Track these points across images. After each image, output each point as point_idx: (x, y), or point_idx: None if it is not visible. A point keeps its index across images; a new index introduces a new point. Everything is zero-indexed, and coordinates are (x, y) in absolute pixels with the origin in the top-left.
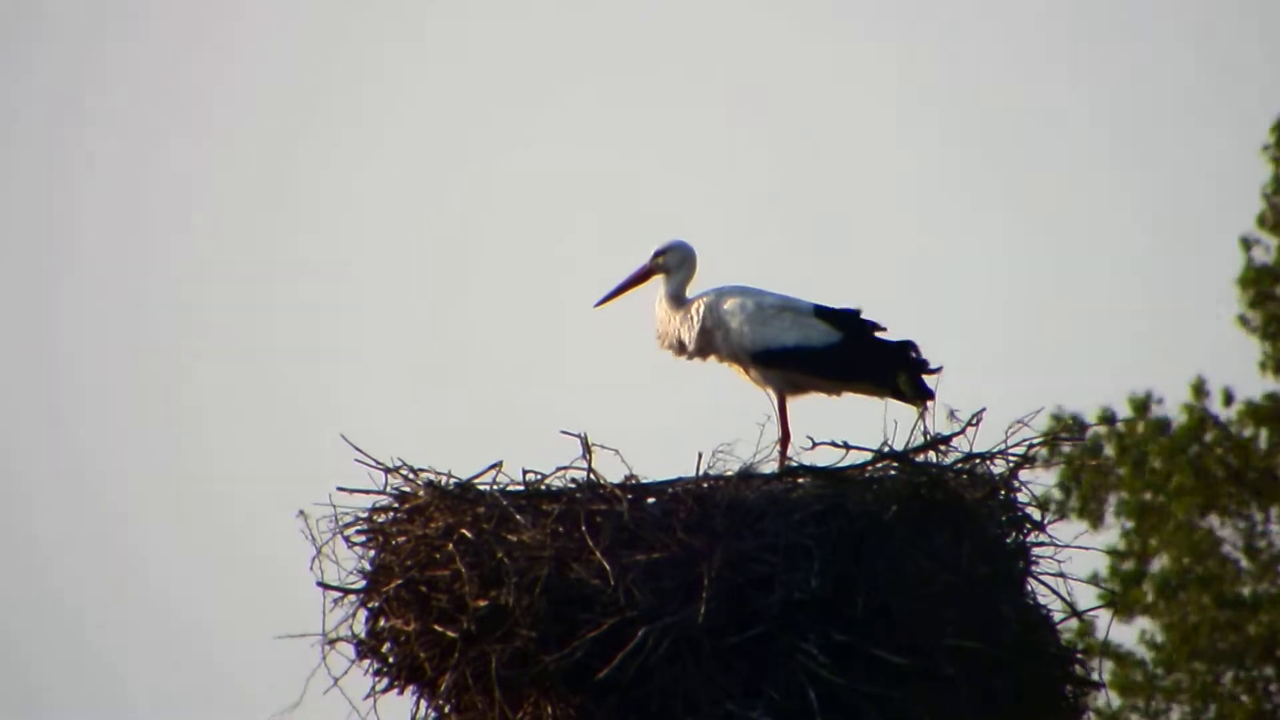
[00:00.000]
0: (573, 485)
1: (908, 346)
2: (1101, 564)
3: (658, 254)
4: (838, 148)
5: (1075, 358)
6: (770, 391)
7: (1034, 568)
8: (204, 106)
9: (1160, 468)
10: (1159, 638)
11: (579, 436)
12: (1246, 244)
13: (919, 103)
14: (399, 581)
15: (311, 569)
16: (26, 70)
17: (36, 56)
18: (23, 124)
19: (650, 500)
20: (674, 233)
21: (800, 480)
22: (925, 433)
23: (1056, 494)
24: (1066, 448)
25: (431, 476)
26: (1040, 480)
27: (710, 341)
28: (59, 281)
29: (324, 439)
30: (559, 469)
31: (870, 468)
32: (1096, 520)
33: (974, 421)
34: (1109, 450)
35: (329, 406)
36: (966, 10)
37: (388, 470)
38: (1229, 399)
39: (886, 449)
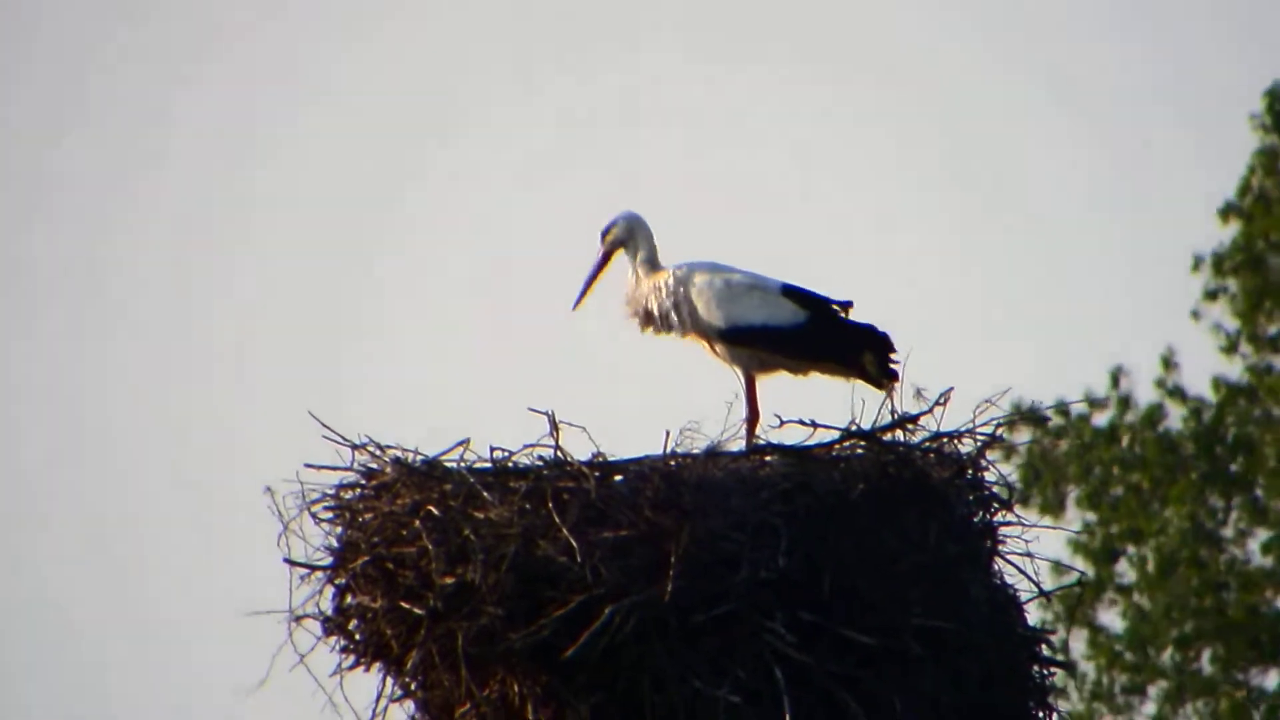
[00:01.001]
0: (540, 463)
1: (874, 330)
2: (1064, 551)
3: (604, 234)
4: (802, 127)
5: (1043, 339)
6: (737, 370)
7: (1001, 547)
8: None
9: (1134, 447)
10: (1144, 612)
11: (546, 414)
12: (1225, 215)
13: (881, 82)
14: (366, 558)
15: (278, 546)
16: None
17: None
18: None
19: (618, 478)
20: (621, 206)
21: (768, 459)
22: (893, 412)
23: (1018, 481)
24: (1030, 435)
25: (399, 453)
26: (1006, 466)
27: (678, 315)
28: (24, 252)
29: (291, 416)
30: (526, 446)
31: (838, 446)
32: (1058, 509)
33: (941, 401)
34: (1068, 443)
35: (297, 384)
36: None
37: (355, 447)
38: (1182, 395)
39: (854, 428)
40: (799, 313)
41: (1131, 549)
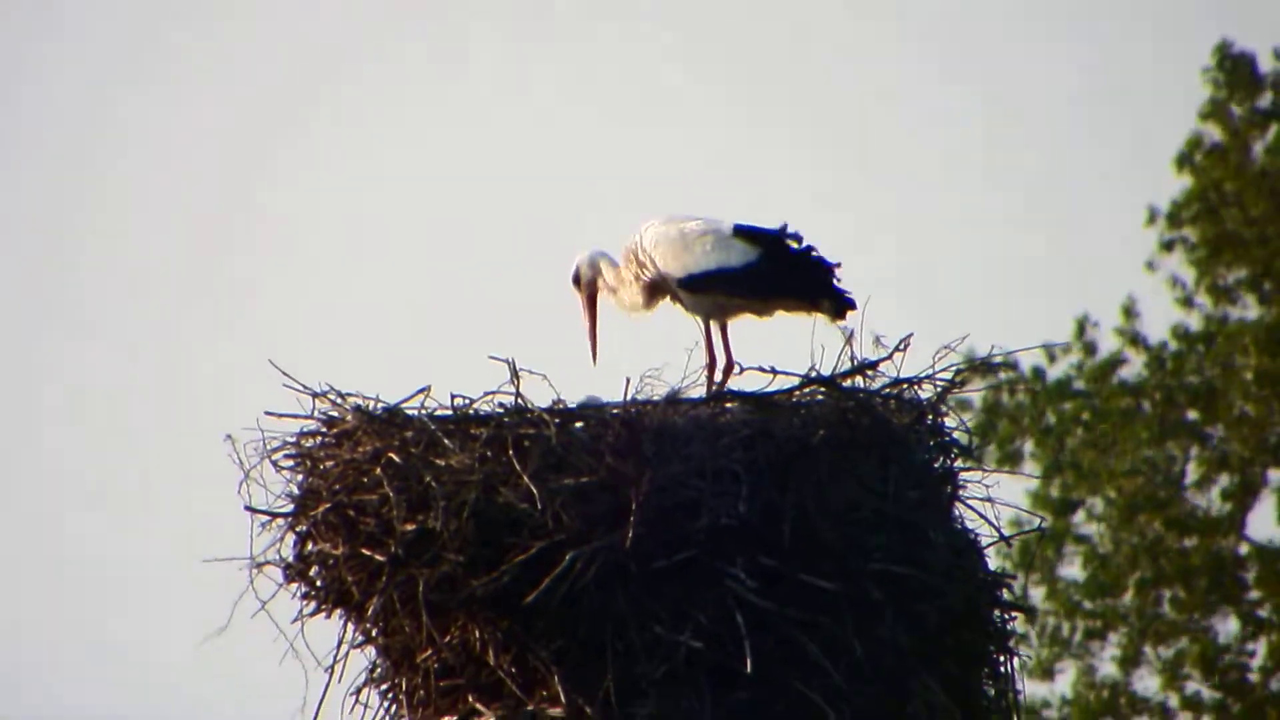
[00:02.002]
0: (500, 410)
1: (826, 264)
2: (1023, 499)
3: (574, 282)
4: (769, 80)
5: (1001, 290)
6: (698, 318)
7: (962, 493)
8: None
9: (1099, 390)
10: (1104, 557)
11: (507, 361)
12: (1180, 164)
13: (855, 36)
14: (327, 505)
15: (239, 493)
16: None
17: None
18: None
19: (578, 425)
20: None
21: (728, 405)
22: (853, 358)
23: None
24: (987, 382)
25: (359, 401)
26: (965, 415)
27: (651, 281)
28: None
29: (252, 364)
30: (487, 394)
31: (798, 393)
32: (1013, 462)
33: (901, 347)
34: (1023, 394)
35: (257, 331)
36: None
37: (315, 395)
38: (1136, 341)
39: (814, 374)
40: (750, 252)
41: (1090, 499)
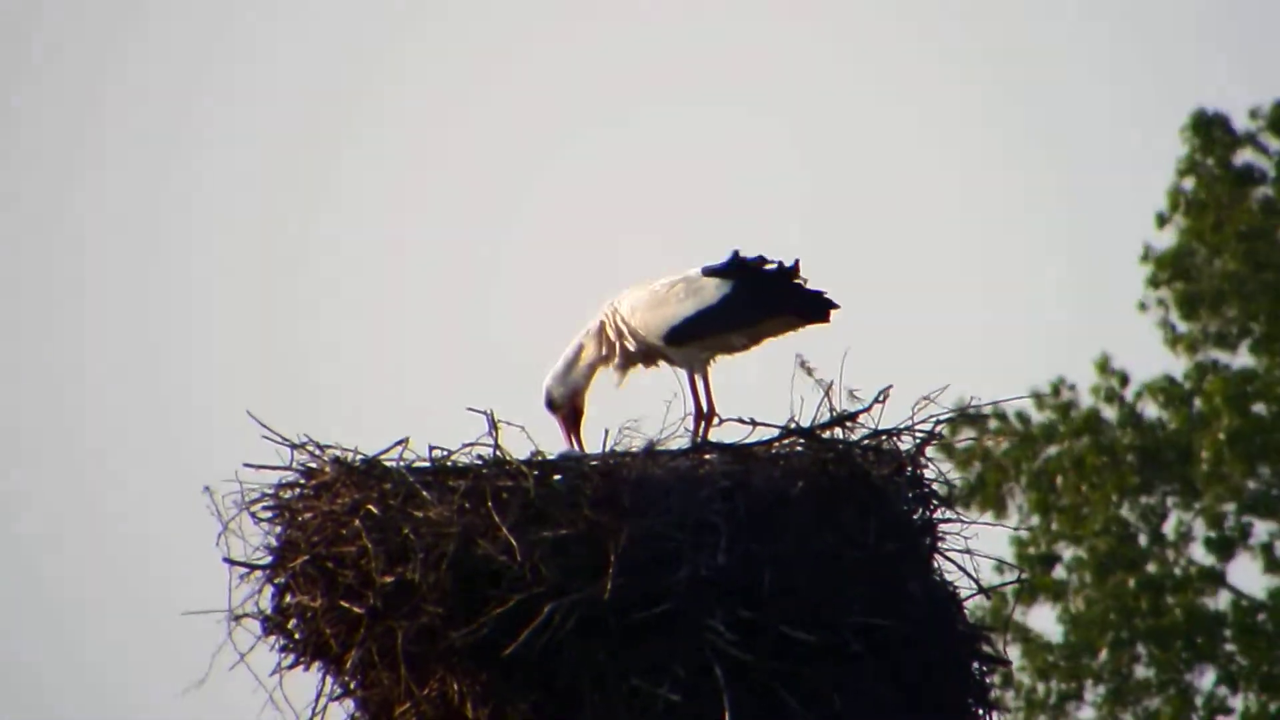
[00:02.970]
0: (479, 462)
1: (792, 268)
2: (1006, 549)
3: (549, 409)
4: (734, 119)
5: (982, 342)
6: (683, 371)
7: (941, 544)
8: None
9: (1071, 449)
10: (1077, 614)
11: (485, 413)
12: (1161, 221)
13: (833, 80)
14: (305, 557)
15: (217, 545)
16: None
17: None
18: None
19: (557, 477)
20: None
21: (707, 457)
22: (832, 409)
23: (959, 482)
24: (971, 433)
25: (338, 453)
26: (946, 466)
27: (629, 350)
28: None
29: (231, 415)
30: (465, 445)
31: (777, 444)
32: (1000, 508)
33: (880, 398)
34: (1008, 444)
35: (236, 383)
36: None
37: (294, 446)
38: (1124, 381)
39: (793, 425)
40: (724, 285)
41: (1069, 553)
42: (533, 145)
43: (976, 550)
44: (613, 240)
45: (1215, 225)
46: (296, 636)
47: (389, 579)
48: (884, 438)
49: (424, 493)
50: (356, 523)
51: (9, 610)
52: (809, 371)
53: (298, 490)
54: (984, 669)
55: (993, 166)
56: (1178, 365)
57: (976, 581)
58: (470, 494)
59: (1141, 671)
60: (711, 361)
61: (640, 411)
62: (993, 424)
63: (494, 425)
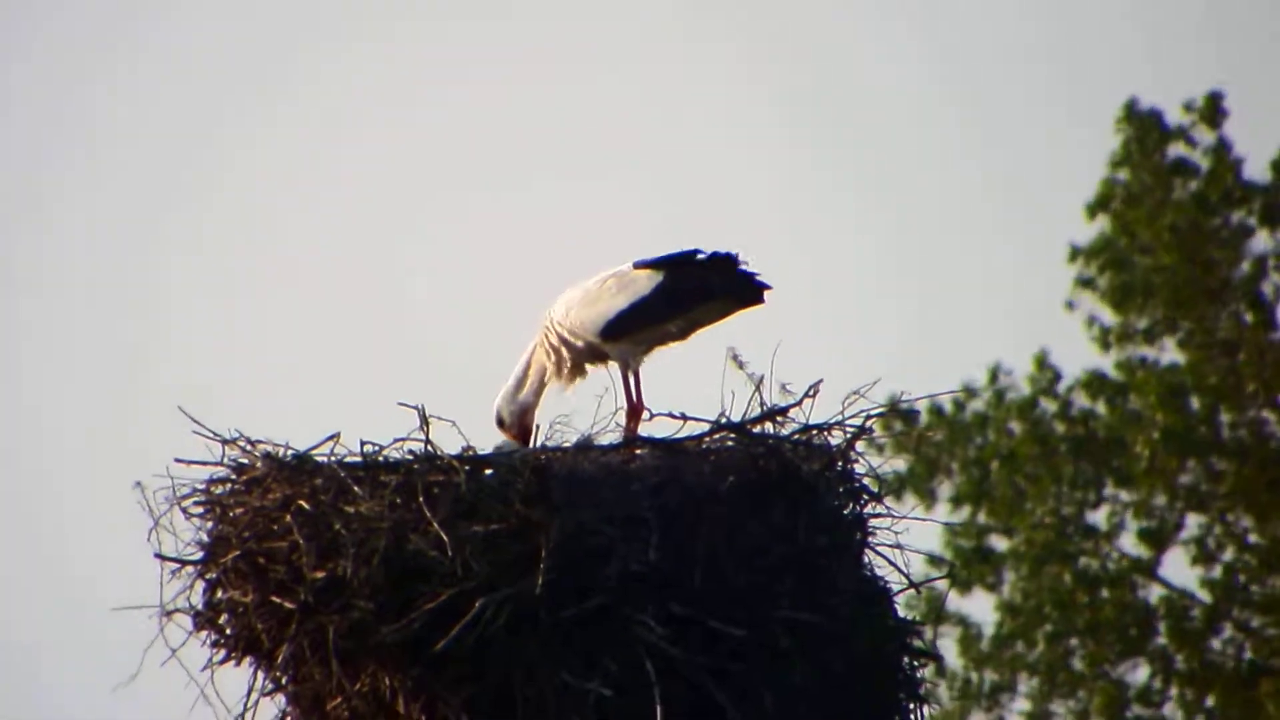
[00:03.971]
0: (410, 457)
1: (727, 257)
2: (936, 542)
3: (501, 426)
4: (679, 117)
5: (912, 334)
6: (618, 366)
7: (871, 539)
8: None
9: (1001, 440)
10: (1014, 604)
11: (416, 408)
12: (1091, 212)
13: (764, 78)
14: (236, 553)
15: (148, 540)
16: None
17: None
18: None
19: (488, 472)
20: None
21: (638, 451)
22: (762, 404)
23: (890, 474)
24: (901, 425)
25: (269, 448)
26: (876, 459)
27: (568, 350)
28: None
29: (161, 410)
30: (397, 440)
31: (708, 439)
32: (929, 499)
33: (811, 393)
34: (940, 435)
35: (168, 378)
36: None
37: (225, 442)
38: (1057, 377)
39: (724, 420)
40: (655, 276)
41: (1003, 544)
42: (483, 131)
43: (907, 545)
44: (554, 235)
45: (1147, 218)
46: (228, 632)
47: (320, 574)
48: (815, 432)
49: (355, 488)
50: (288, 518)
51: None
52: (740, 365)
53: (229, 486)
54: (914, 664)
55: (926, 158)
56: (1106, 361)
57: (907, 576)
58: (401, 489)
59: (1076, 664)
60: (647, 355)
61: (571, 406)
62: (924, 419)
63: (425, 420)
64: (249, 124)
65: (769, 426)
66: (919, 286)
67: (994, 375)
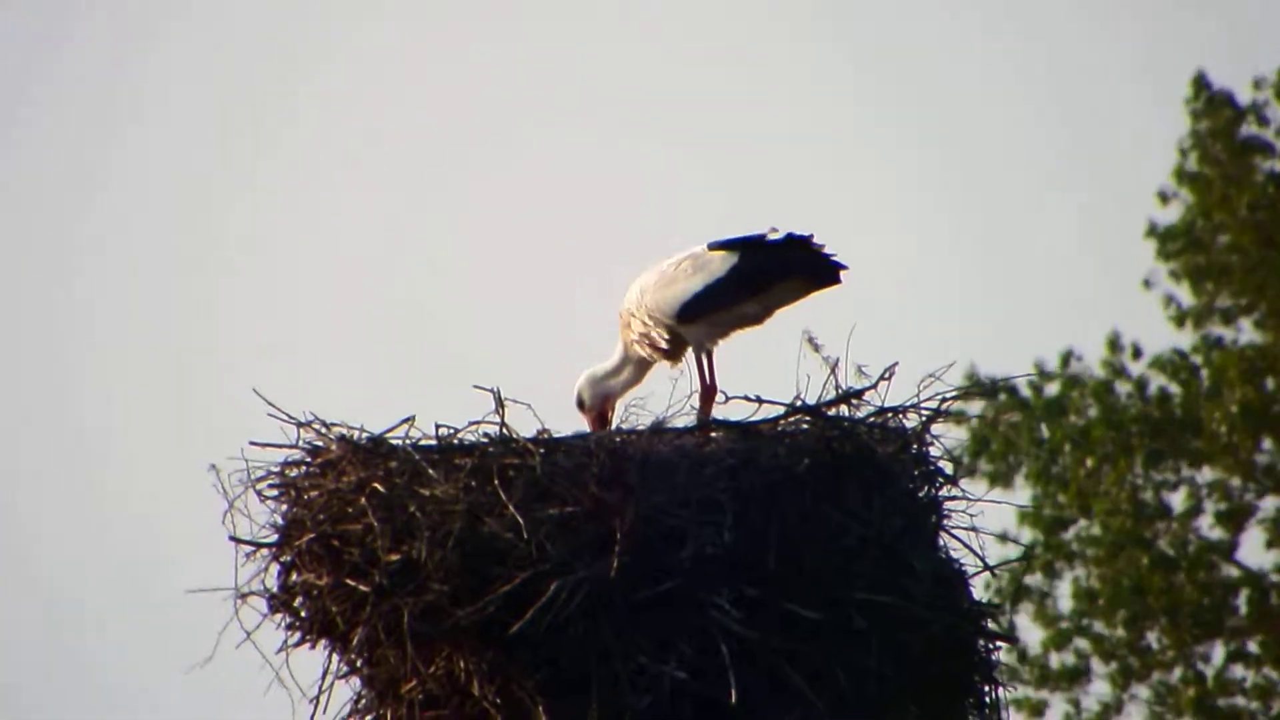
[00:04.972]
0: (485, 440)
1: (799, 236)
2: (1011, 523)
3: (580, 408)
4: (755, 100)
5: (990, 316)
6: (693, 348)
7: (946, 522)
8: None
9: (1078, 423)
10: (1093, 588)
11: (492, 391)
12: (1164, 198)
13: (839, 60)
14: (311, 536)
15: (223, 523)
16: None
17: None
18: None
19: (563, 454)
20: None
21: (713, 434)
22: (837, 387)
23: (966, 456)
24: (979, 406)
25: (344, 431)
26: (951, 437)
27: (661, 337)
28: None
29: (237, 393)
30: (471, 423)
31: (783, 422)
32: (1006, 482)
33: (886, 375)
34: (1018, 416)
35: (243, 361)
36: None
37: (300, 425)
38: (1137, 354)
39: (799, 403)
40: (730, 257)
41: (1080, 524)
42: (530, 108)
43: (982, 528)
44: (625, 215)
45: (1221, 200)
46: (302, 615)
47: (395, 557)
48: (890, 415)
49: (430, 470)
50: (362, 501)
51: (12, 591)
52: (816, 348)
53: (304, 468)
54: (990, 646)
55: (998, 141)
56: (1184, 339)
57: (982, 558)
58: (476, 472)
59: (1153, 646)
60: (724, 338)
61: (646, 390)
62: (1000, 399)
63: (500, 403)
64: (316, 108)
65: (844, 409)
66: (999, 266)
67: (1066, 359)
